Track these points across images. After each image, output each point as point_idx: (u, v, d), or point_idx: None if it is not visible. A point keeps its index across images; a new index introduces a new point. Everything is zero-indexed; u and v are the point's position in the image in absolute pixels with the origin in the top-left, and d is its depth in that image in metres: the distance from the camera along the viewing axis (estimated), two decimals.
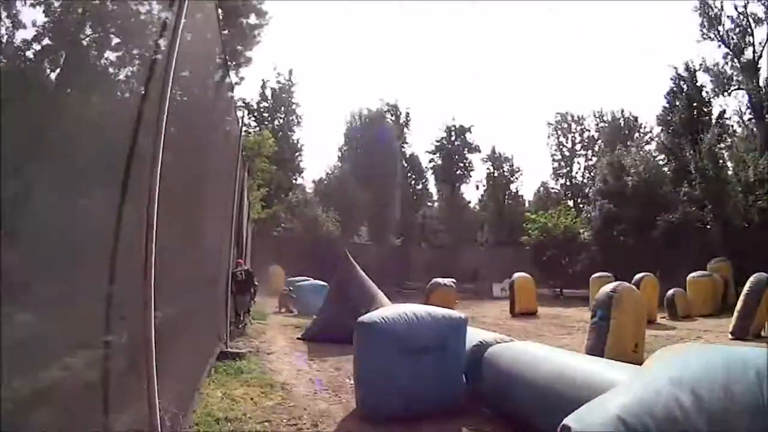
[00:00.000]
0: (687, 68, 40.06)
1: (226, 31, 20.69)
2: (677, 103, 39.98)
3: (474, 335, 8.19)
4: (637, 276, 21.20)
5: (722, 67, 39.68)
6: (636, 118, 60.16)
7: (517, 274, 25.74)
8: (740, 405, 2.70)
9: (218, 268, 10.33)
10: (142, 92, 4.21)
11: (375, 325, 7.08)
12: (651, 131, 55.80)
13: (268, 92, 57.39)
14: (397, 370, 7.07)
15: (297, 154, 57.93)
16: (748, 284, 15.08)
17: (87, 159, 3.51)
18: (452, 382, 7.49)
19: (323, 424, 7.02)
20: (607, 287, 12.33)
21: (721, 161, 33.31)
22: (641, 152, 38.97)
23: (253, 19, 33.14)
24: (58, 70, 3.44)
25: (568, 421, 3.03)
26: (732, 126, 39.46)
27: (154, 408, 4.05)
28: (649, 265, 25.66)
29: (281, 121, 57.46)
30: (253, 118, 54.00)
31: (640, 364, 10.44)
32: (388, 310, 7.72)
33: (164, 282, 4.76)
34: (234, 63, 29.60)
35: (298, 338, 14.40)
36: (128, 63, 4.51)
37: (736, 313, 15.02)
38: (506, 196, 63.53)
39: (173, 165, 4.80)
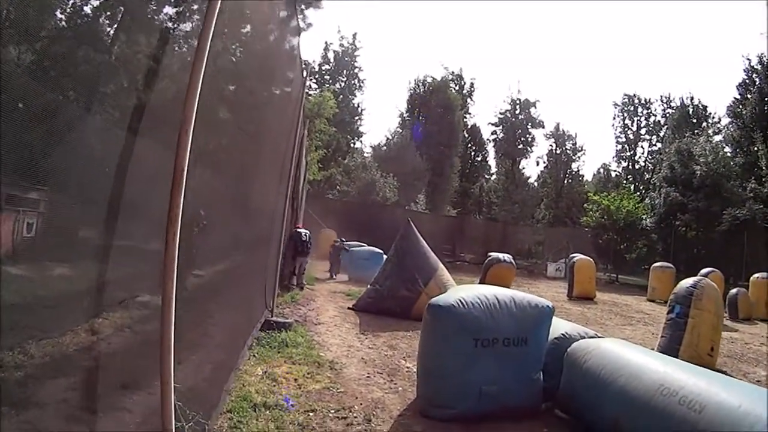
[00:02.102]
0: (760, 61, 38.33)
1: None
2: (749, 96, 38.48)
3: (557, 327, 7.06)
4: (704, 271, 20.21)
5: None
6: (705, 107, 57.71)
7: (577, 256, 24.58)
8: None
9: (271, 229, 9.40)
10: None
11: (451, 310, 5.97)
12: (719, 122, 53.52)
13: (331, 55, 56.74)
14: (472, 364, 6.02)
15: (357, 118, 57.35)
16: None
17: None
18: (529, 381, 6.40)
19: (377, 418, 6.01)
20: (687, 282, 11.08)
21: None
22: (710, 142, 36.91)
23: None
24: (115, 26, 3.41)
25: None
26: None
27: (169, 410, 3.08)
28: (709, 260, 24.71)
29: (342, 84, 56.79)
30: (314, 81, 53.28)
31: (714, 368, 9.42)
32: (465, 292, 6.53)
33: (208, 241, 4.79)
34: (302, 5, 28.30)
35: (349, 308, 13.52)
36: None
37: None
38: (566, 175, 61.91)
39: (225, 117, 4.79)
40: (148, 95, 3.44)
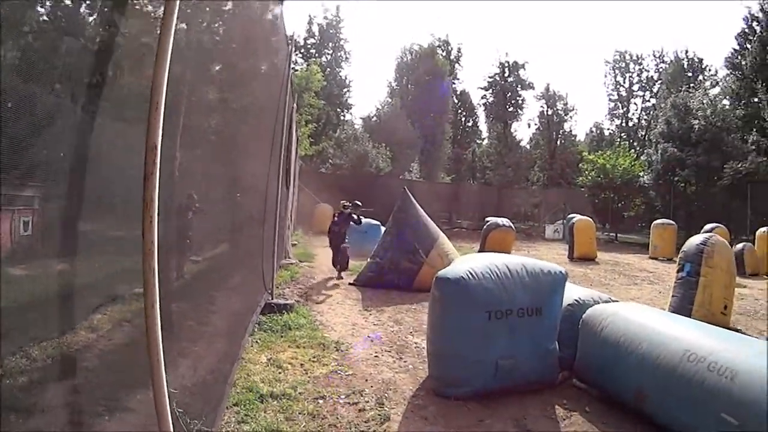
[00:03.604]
0: (762, 9, 37.79)
1: None
2: (748, 46, 38.18)
3: (570, 292, 6.78)
4: (708, 226, 20.14)
5: None
6: (701, 60, 57.56)
7: (576, 217, 24.46)
8: None
9: (264, 209, 9.09)
10: None
11: (461, 282, 5.63)
12: (716, 74, 53.27)
13: (315, 29, 56.91)
14: (486, 338, 5.75)
15: (345, 90, 57.61)
16: None
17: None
18: (545, 352, 6.14)
19: (389, 401, 5.73)
20: (696, 239, 10.77)
21: None
22: (707, 95, 36.55)
23: None
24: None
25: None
26: None
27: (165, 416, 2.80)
28: (711, 216, 24.55)
29: (329, 57, 56.97)
30: (300, 55, 52.88)
31: (728, 327, 9.21)
32: (474, 262, 6.18)
33: (203, 226, 4.80)
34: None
35: (350, 283, 13.29)
36: None
37: None
38: (559, 136, 62.12)
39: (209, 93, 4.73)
40: (132, 81, 3.35)
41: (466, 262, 6.35)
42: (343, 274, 14.52)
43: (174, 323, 3.56)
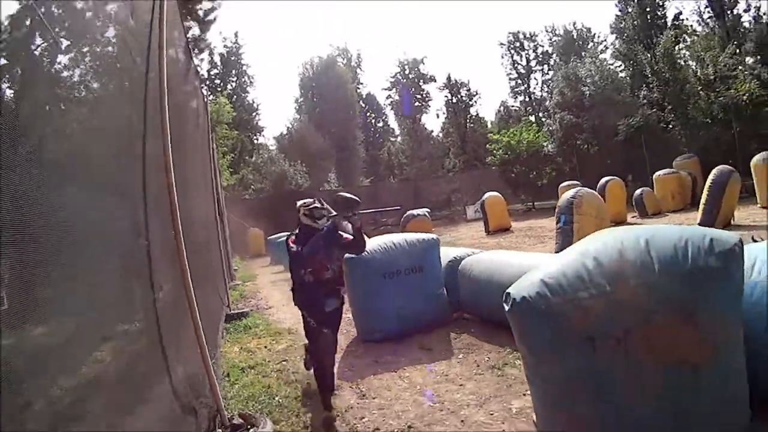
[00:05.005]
0: None
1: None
2: (630, 10, 41.76)
3: (448, 253, 9.41)
4: (603, 180, 22.20)
5: None
6: (589, 29, 61.35)
7: (487, 194, 26.54)
8: (631, 262, 3.79)
9: (210, 236, 11.11)
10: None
11: (358, 258, 7.95)
12: (605, 40, 57.11)
13: (217, 58, 57.72)
14: (385, 294, 8.26)
15: (254, 114, 58.55)
16: (710, 176, 15.25)
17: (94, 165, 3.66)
18: (435, 297, 8.70)
19: None
20: (568, 194, 13.45)
21: (680, 62, 34.20)
22: (596, 62, 39.56)
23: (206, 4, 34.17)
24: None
25: (509, 289, 4.04)
26: (691, 26, 40.57)
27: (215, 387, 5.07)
28: (617, 170, 26.39)
29: (234, 84, 57.81)
30: (206, 88, 53.67)
31: None
32: (370, 243, 8.71)
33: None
34: (196, 50, 30.19)
35: (290, 289, 15.15)
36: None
37: (701, 206, 15.59)
38: (468, 121, 64.60)
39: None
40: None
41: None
42: (284, 284, 16.08)
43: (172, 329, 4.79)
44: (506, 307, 4.00)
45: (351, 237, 5.97)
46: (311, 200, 6.06)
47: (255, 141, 56.76)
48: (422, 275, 8.49)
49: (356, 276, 8.37)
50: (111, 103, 4.28)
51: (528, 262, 7.46)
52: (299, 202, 6.09)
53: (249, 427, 5.01)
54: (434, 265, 8.74)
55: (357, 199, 5.83)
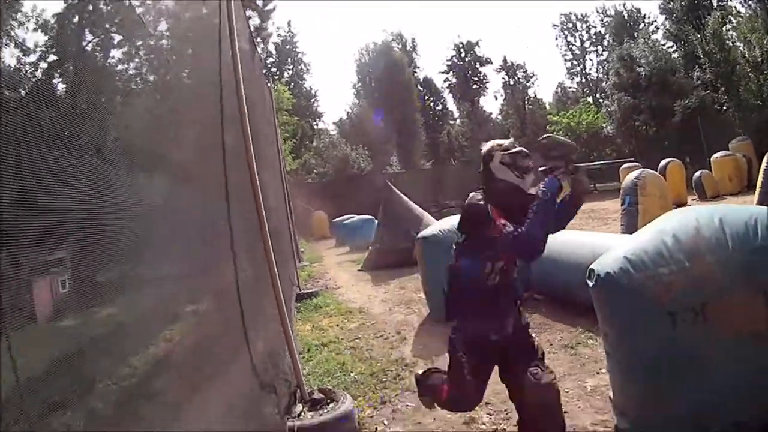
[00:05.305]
0: None
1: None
2: None
3: None
4: (663, 162, 21.72)
5: None
6: (639, 10, 59.67)
7: None
8: (707, 239, 3.88)
9: (280, 218, 11.28)
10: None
11: (434, 238, 8.09)
12: (655, 21, 55.50)
13: (271, 47, 57.98)
14: None
15: (312, 100, 59.14)
16: (765, 160, 15.13)
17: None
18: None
19: (405, 331, 8.28)
20: (631, 175, 13.33)
21: (728, 43, 33.27)
22: (649, 42, 38.54)
23: None
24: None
25: (592, 265, 4.09)
26: (735, 7, 39.06)
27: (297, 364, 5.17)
28: (674, 151, 25.97)
29: (291, 72, 58.27)
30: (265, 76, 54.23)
31: None
32: (442, 224, 8.70)
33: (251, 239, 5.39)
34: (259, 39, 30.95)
35: (358, 270, 15.58)
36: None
37: (758, 189, 14.90)
38: (526, 102, 63.97)
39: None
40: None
41: (438, 225, 8.79)
42: (351, 265, 16.76)
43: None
44: (590, 283, 4.02)
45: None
46: (508, 141, 3.83)
47: (315, 127, 57.22)
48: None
49: (428, 257, 8.37)
50: (190, 93, 4.45)
51: (600, 242, 7.36)
52: (488, 144, 3.77)
53: (329, 401, 5.07)
54: None
55: (573, 143, 3.81)
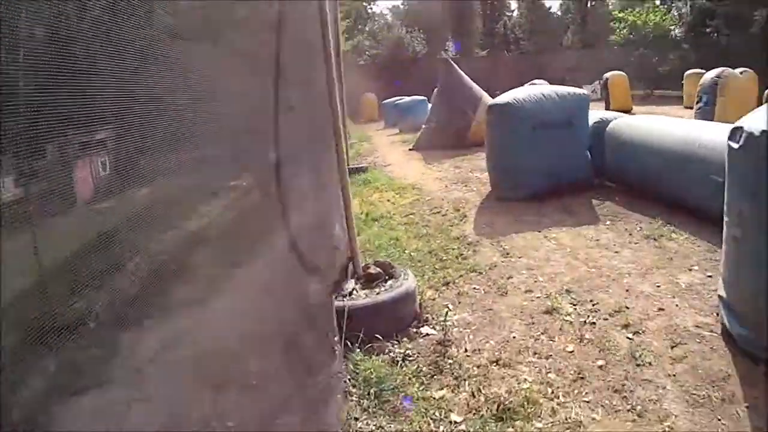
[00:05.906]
0: None
1: None
2: None
3: (594, 114, 8.31)
4: (738, 70, 20.29)
5: None
6: None
7: (610, 73, 25.05)
8: None
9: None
10: None
11: (509, 105, 7.30)
12: None
13: None
14: (533, 147, 7.38)
15: None
16: None
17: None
18: (580, 157, 7.79)
19: (464, 207, 7.58)
20: (711, 73, 12.49)
21: None
22: None
23: None
24: None
25: (739, 122, 3.45)
26: None
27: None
28: (745, 63, 24.44)
29: None
30: None
31: None
32: (518, 92, 7.85)
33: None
34: None
35: (409, 149, 14.81)
36: None
37: None
38: None
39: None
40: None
41: (510, 93, 7.91)
42: (401, 145, 16.00)
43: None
44: (734, 145, 3.44)
45: None
46: None
47: (369, 11, 55.55)
48: (571, 132, 7.60)
49: (501, 127, 7.64)
50: None
51: (694, 129, 6.50)
52: None
53: (387, 278, 4.40)
54: (583, 123, 7.83)
55: None
